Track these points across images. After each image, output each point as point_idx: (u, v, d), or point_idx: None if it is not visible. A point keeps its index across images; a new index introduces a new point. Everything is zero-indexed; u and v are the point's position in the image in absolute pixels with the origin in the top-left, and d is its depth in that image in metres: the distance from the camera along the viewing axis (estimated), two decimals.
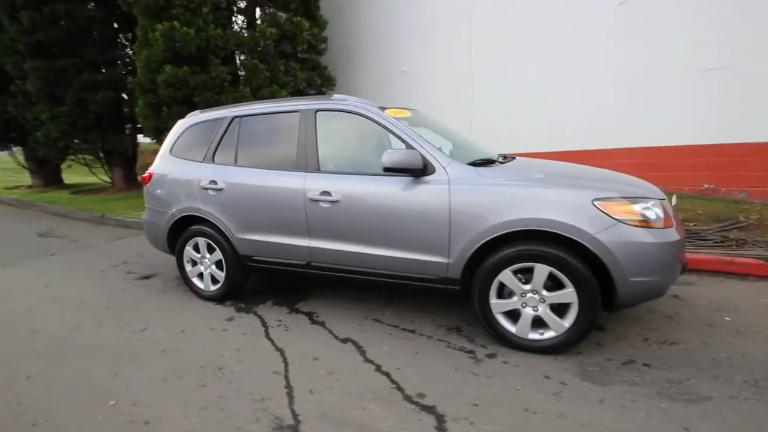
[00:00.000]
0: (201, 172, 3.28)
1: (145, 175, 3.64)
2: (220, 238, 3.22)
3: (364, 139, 2.91)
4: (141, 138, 10.32)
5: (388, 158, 2.44)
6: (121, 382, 2.29)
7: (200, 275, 3.45)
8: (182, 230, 3.43)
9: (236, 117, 3.26)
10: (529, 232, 2.28)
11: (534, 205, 2.24)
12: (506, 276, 2.35)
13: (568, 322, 2.28)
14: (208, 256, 3.36)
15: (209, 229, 3.27)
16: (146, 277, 4.19)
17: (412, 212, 2.53)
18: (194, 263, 3.46)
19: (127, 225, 6.89)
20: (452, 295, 2.60)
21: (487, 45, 7.54)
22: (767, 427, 1.74)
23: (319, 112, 2.93)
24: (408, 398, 2.03)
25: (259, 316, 3.09)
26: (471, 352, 2.45)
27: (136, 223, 6.82)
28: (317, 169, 2.85)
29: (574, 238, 2.15)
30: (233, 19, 7.81)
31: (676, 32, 5.54)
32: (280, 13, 7.70)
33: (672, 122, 5.78)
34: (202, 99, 6.78)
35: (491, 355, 2.40)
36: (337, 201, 2.72)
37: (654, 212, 2.21)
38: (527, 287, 2.33)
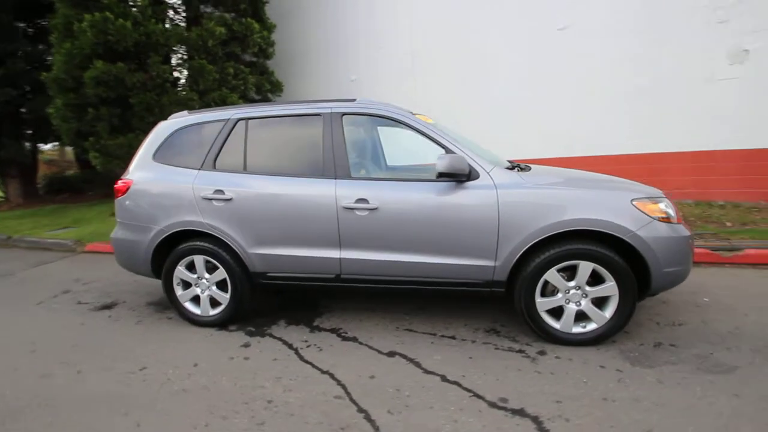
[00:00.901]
0: (201, 181, 2.88)
1: (119, 184, 3.09)
2: (224, 255, 2.86)
3: (396, 144, 2.84)
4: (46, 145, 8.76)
5: (442, 163, 2.41)
6: None
7: (194, 299, 3.02)
8: (170, 248, 2.97)
9: (242, 119, 2.94)
10: (567, 231, 2.42)
11: (582, 207, 2.39)
12: (552, 275, 2.46)
13: (608, 313, 2.46)
14: (206, 276, 2.95)
15: (210, 245, 2.88)
16: (107, 307, 3.54)
17: (458, 218, 2.53)
18: (186, 285, 3.01)
19: (46, 247, 5.76)
20: (488, 297, 2.65)
21: (430, 58, 7.87)
22: None
23: (345, 116, 2.78)
24: (493, 404, 2.00)
25: (280, 339, 2.80)
26: (521, 351, 2.51)
27: (57, 244, 5.75)
28: (348, 176, 2.70)
29: (619, 235, 2.34)
30: (169, 15, 7.06)
31: (606, 55, 6.38)
32: (226, 14, 7.17)
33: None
34: (140, 101, 6.00)
35: (541, 353, 2.48)
36: (375, 208, 2.60)
37: (671, 210, 2.52)
38: (571, 284, 2.46)
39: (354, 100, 2.88)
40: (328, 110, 2.81)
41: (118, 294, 3.87)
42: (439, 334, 2.78)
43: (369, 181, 2.68)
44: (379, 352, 2.58)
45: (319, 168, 2.76)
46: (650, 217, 2.37)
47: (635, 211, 2.37)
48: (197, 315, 3.02)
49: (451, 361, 2.42)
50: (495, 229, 2.48)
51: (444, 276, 2.61)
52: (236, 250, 2.83)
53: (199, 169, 2.93)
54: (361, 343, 2.70)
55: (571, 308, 2.49)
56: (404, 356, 2.51)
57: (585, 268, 2.42)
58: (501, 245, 2.49)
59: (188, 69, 6.51)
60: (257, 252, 2.81)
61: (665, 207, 2.46)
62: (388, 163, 3.55)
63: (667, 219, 2.43)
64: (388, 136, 2.75)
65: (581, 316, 2.50)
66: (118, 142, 6.09)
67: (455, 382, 2.21)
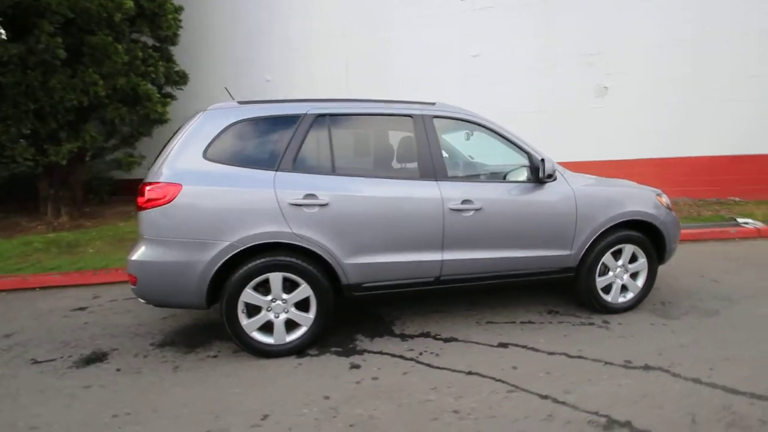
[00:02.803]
0: (283, 184, 2.43)
1: (152, 191, 2.31)
2: (310, 269, 2.49)
3: (480, 147, 2.97)
4: None
5: (551, 166, 2.70)
6: None
7: (263, 326, 2.52)
8: (230, 269, 2.41)
9: (321, 115, 2.60)
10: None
11: (632, 202, 3.02)
12: (608, 257, 3.04)
13: (640, 283, 3.17)
14: (284, 296, 2.51)
15: (294, 259, 2.46)
16: (97, 359, 2.59)
17: (546, 213, 2.86)
18: (254, 311, 2.49)
19: None
20: (559, 282, 3.07)
21: (363, 68, 8.05)
22: None
23: (435, 119, 2.78)
24: (626, 366, 2.39)
25: (383, 353, 2.61)
26: (591, 323, 2.99)
27: None
28: (446, 177, 2.72)
29: (654, 222, 3.06)
30: None
31: (514, 85, 7.67)
32: None
33: None
34: (14, 81, 4.30)
35: (605, 322, 3.01)
36: (480, 209, 2.70)
37: (668, 201, 3.39)
38: (620, 263, 3.09)
39: (434, 103, 2.89)
40: (419, 112, 2.76)
41: (102, 339, 2.84)
42: (518, 321, 3.05)
43: (468, 183, 2.77)
44: (491, 345, 2.70)
45: (415, 169, 2.69)
46: (666, 207, 3.17)
47: (659, 203, 3.14)
48: (269, 345, 2.53)
49: (555, 341, 2.73)
50: (573, 222, 2.91)
51: (531, 267, 2.90)
52: (330, 261, 2.50)
53: (276, 171, 2.47)
54: (465, 341, 2.75)
55: (618, 283, 3.11)
56: (516, 345, 2.69)
57: (628, 250, 3.07)
58: (576, 236, 2.93)
59: (88, 46, 4.93)
60: (354, 262, 2.55)
61: (667, 199, 3.32)
62: (490, 165, 3.56)
63: (670, 208, 3.28)
64: (488, 139, 2.87)
65: (623, 289, 3.15)
66: None
67: (579, 356, 2.53)
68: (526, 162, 2.95)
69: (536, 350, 2.62)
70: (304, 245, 2.45)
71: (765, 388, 2.15)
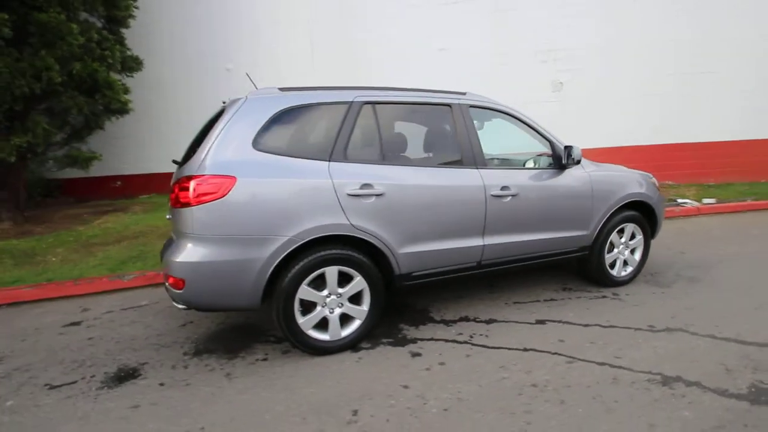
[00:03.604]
0: (339, 174, 2.34)
1: (200, 185, 2.10)
2: (365, 260, 2.45)
3: (508, 135, 3.09)
4: None
5: (577, 152, 2.90)
6: None
7: (319, 323, 2.43)
8: (284, 265, 2.29)
9: (368, 103, 2.54)
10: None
11: (634, 185, 3.36)
12: (614, 236, 3.36)
13: (637, 257, 3.54)
14: (339, 290, 2.44)
15: (350, 251, 2.40)
16: (131, 375, 2.32)
17: (570, 197, 3.09)
18: (309, 308, 2.39)
19: None
20: (571, 261, 3.33)
21: (331, 58, 7.88)
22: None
23: (471, 108, 2.85)
24: (650, 330, 2.69)
25: (435, 339, 2.65)
26: (604, 297, 3.28)
27: None
28: (485, 165, 2.81)
29: (650, 203, 3.43)
30: None
31: (477, 77, 7.99)
32: None
33: None
34: None
35: (615, 294, 3.33)
36: (516, 194, 2.83)
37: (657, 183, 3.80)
38: (623, 240, 3.43)
39: (465, 93, 2.96)
40: (456, 101, 2.81)
41: (104, 357, 2.51)
42: (541, 299, 3.26)
43: (503, 170, 2.88)
44: (529, 323, 2.86)
45: (458, 158, 2.75)
46: (658, 188, 3.57)
47: (652, 185, 3.52)
48: (325, 341, 2.44)
49: (582, 314, 2.96)
50: (590, 204, 3.17)
51: (557, 248, 3.12)
52: (385, 252, 2.48)
53: (329, 161, 2.37)
54: (505, 321, 2.89)
55: (621, 258, 3.46)
56: (551, 320, 2.89)
57: (629, 228, 3.42)
58: (592, 217, 3.20)
59: (36, 25, 4.18)
60: (407, 251, 2.55)
61: (656, 182, 3.72)
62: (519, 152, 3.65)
63: (658, 189, 3.69)
64: (513, 128, 3.00)
65: (624, 264, 3.50)
66: None
67: (611, 326, 2.78)
68: (544, 149, 3.14)
69: (571, 323, 2.84)
70: (361, 237, 2.40)
71: (765, 336, 2.55)
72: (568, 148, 2.99)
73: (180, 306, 2.35)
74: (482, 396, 2.06)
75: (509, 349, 2.52)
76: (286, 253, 2.23)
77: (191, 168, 2.23)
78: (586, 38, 7.67)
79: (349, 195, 2.36)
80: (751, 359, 2.32)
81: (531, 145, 3.25)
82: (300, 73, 7.78)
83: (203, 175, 2.14)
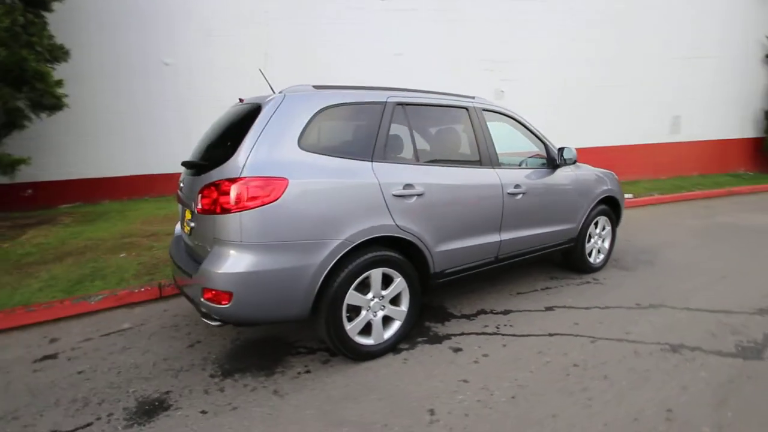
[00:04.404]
0: (383, 174, 2.30)
1: (251, 186, 1.90)
2: (405, 261, 2.44)
3: (511, 137, 3.28)
4: None
5: (570, 154, 3.20)
6: None
7: (363, 328, 2.36)
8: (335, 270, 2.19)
9: (400, 104, 2.53)
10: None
11: (606, 181, 3.80)
12: (592, 228, 3.77)
13: (607, 245, 4.01)
14: (383, 292, 2.40)
15: (393, 252, 2.37)
16: (160, 407, 2.02)
17: (564, 194, 3.40)
18: (354, 313, 2.32)
19: None
20: (559, 253, 3.67)
21: (284, 58, 7.58)
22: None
23: (485, 111, 2.99)
24: (638, 307, 3.08)
25: (465, 334, 2.74)
26: (587, 282, 3.66)
27: None
28: (499, 164, 2.97)
29: (616, 197, 3.92)
30: None
31: (430, 84, 8.30)
32: None
33: None
34: None
35: (595, 279, 3.74)
36: (525, 192, 3.04)
37: None
38: (597, 231, 3.86)
39: (474, 97, 3.10)
40: (472, 104, 2.94)
41: (111, 392, 2.14)
42: (538, 288, 3.53)
43: (513, 169, 3.06)
44: (541, 310, 3.09)
45: (477, 158, 2.87)
46: (619, 184, 4.09)
47: (616, 181, 4.02)
48: (370, 346, 2.39)
49: (579, 299, 3.28)
50: (578, 199, 3.52)
51: (553, 241, 3.41)
52: (423, 252, 2.49)
53: (372, 161, 2.31)
54: (519, 311, 3.08)
55: (596, 248, 3.89)
56: (558, 306, 3.15)
57: (602, 221, 3.88)
58: (579, 211, 3.56)
59: None
60: (441, 250, 2.60)
61: (617, 178, 4.25)
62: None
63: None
64: (514, 130, 3.20)
65: (599, 252, 3.95)
66: None
67: (606, 307, 3.13)
68: (540, 151, 3.42)
69: (574, 308, 3.13)
70: (405, 237, 2.39)
71: (729, 305, 3.08)
72: (561, 150, 3.30)
73: (214, 323, 2.12)
74: (538, 380, 2.20)
75: (536, 335, 2.70)
76: (338, 257, 2.14)
77: (228, 170, 2.02)
78: (524, 52, 8.42)
79: (394, 195, 2.34)
80: (725, 324, 2.80)
81: (523, 146, 3.51)
82: (256, 74, 7.35)
83: (252, 177, 1.96)
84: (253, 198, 1.95)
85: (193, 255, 2.36)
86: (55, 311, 3.05)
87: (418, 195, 2.45)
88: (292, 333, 2.76)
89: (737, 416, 1.89)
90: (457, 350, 2.53)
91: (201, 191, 2.11)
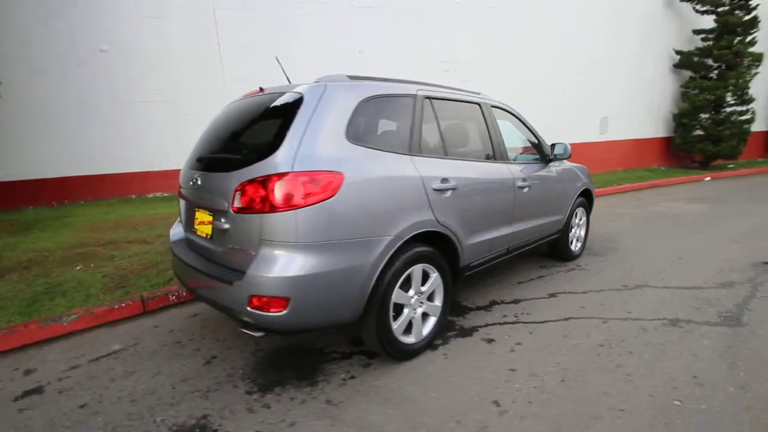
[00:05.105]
0: (423, 168, 2.25)
1: (307, 181, 1.73)
2: (440, 256, 2.43)
3: (513, 132, 3.39)
4: None
5: (561, 150, 3.40)
6: None
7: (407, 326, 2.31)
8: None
9: (428, 98, 2.49)
10: None
11: (582, 176, 4.11)
12: (573, 219, 4.07)
13: (583, 234, 4.36)
14: (422, 288, 2.36)
15: (431, 248, 2.34)
16: None
17: (556, 187, 3.60)
18: (397, 311, 2.25)
19: None
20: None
21: (238, 51, 7.11)
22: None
23: (493, 108, 3.07)
24: (625, 288, 3.40)
25: (494, 324, 2.80)
26: (572, 269, 3.95)
27: None
28: (507, 159, 3.07)
29: (590, 189, 4.26)
30: None
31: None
32: None
33: None
34: None
35: (578, 266, 4.04)
36: (530, 186, 3.18)
37: None
38: (577, 221, 4.17)
39: (479, 93, 3.17)
40: (482, 101, 3.00)
41: (136, 424, 1.84)
42: (534, 277, 3.72)
43: (518, 165, 3.19)
44: (546, 297, 3.27)
45: (491, 153, 2.94)
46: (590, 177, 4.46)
47: (588, 174, 4.37)
48: (412, 344, 2.34)
49: (574, 285, 3.52)
50: (566, 192, 3.77)
51: (547, 231, 3.61)
52: (457, 245, 2.50)
53: (410, 154, 2.25)
54: (528, 299, 3.23)
55: (576, 236, 4.21)
56: (559, 292, 3.35)
57: (580, 212, 4.20)
58: (566, 203, 3.81)
59: None
60: (469, 243, 2.62)
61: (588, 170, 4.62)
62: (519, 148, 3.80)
63: None
64: (513, 125, 3.33)
65: (577, 240, 4.27)
66: None
67: (600, 290, 3.40)
68: (532, 146, 3.61)
69: (574, 293, 3.35)
70: (442, 231, 2.37)
71: (697, 282, 3.50)
72: (553, 146, 3.52)
73: (258, 333, 1.92)
74: (576, 362, 2.32)
75: (554, 321, 2.85)
76: (390, 254, 2.06)
77: (274, 164, 1.83)
78: (482, 54, 8.80)
79: (435, 190, 2.31)
80: (701, 298, 3.19)
81: (519, 142, 3.68)
82: (208, 67, 6.81)
83: (306, 172, 1.80)
84: (310, 194, 1.80)
85: (219, 260, 2.11)
86: (19, 337, 2.55)
87: (452, 189, 2.45)
88: (316, 339, 2.60)
89: (749, 376, 2.17)
90: (489, 341, 2.58)
91: (239, 188, 1.89)
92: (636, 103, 10.99)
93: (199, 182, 2.17)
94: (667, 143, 11.61)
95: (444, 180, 2.39)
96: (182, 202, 2.53)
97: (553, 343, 2.55)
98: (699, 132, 10.91)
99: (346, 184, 1.90)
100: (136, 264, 3.80)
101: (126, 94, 6.52)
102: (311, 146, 1.89)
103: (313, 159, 1.86)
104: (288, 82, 2.48)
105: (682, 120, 10.96)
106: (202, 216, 2.24)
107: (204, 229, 2.23)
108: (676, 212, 6.55)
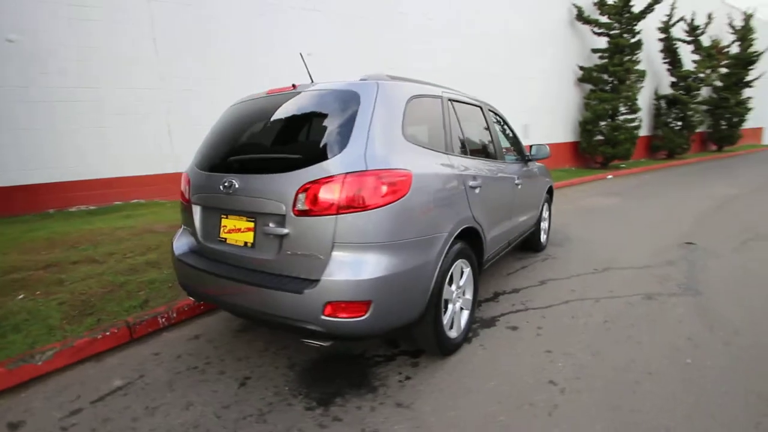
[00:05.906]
0: (459, 166, 2.31)
1: (385, 181, 1.67)
2: (471, 251, 2.52)
3: (501, 133, 3.61)
4: None
5: (538, 150, 3.72)
6: None
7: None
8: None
9: (450, 99, 2.56)
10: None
11: (547, 175, 4.54)
12: (544, 212, 4.48)
13: (547, 227, 4.81)
14: (460, 283, 2.43)
15: (467, 243, 2.42)
16: None
17: (535, 184, 3.94)
18: (445, 307, 2.28)
19: None
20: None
21: (178, 49, 6.49)
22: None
23: (488, 110, 3.26)
24: (604, 270, 3.84)
25: (508, 313, 2.97)
26: (546, 258, 4.34)
27: None
28: (504, 158, 3.28)
29: (552, 186, 4.72)
30: None
31: None
32: None
33: None
34: None
35: (551, 256, 4.44)
36: (521, 183, 3.44)
37: None
38: (545, 215, 4.60)
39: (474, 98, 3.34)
40: (480, 104, 3.19)
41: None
42: (519, 268, 4.02)
43: (509, 163, 3.42)
44: (538, 285, 3.55)
45: (494, 152, 3.12)
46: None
47: (549, 173, 4.84)
48: (455, 339, 2.38)
49: (555, 272, 3.88)
50: (539, 189, 4.13)
51: (528, 228, 3.92)
52: (483, 240, 2.61)
53: (445, 153, 2.30)
54: (524, 288, 3.48)
55: (543, 229, 4.63)
56: (547, 279, 3.67)
57: (545, 206, 4.64)
58: (540, 198, 4.18)
59: None
60: (490, 237, 2.75)
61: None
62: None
63: None
64: (503, 127, 3.53)
65: (543, 233, 4.70)
66: None
67: (577, 275, 3.79)
68: (517, 147, 3.91)
69: (558, 279, 3.70)
70: (475, 227, 2.46)
71: (647, 262, 4.09)
72: (531, 147, 3.85)
73: (326, 343, 1.81)
74: (594, 339, 2.58)
75: (557, 305, 3.12)
76: (446, 251, 2.08)
77: (344, 163, 1.75)
78: (424, 62, 9.17)
79: (470, 187, 2.39)
80: (658, 275, 3.73)
81: (504, 142, 3.95)
82: (145, 66, 6.08)
83: (381, 170, 1.75)
84: (387, 193, 1.75)
85: (268, 269, 1.92)
86: None
87: (480, 186, 2.56)
88: (350, 346, 2.51)
89: (726, 333, 2.62)
90: (513, 328, 2.74)
91: (301, 190, 1.76)
92: (549, 112, 12.39)
93: (237, 185, 1.96)
94: (575, 147, 13.28)
95: (474, 178, 2.50)
96: (197, 210, 2.25)
97: (567, 325, 2.79)
98: (600, 137, 12.68)
99: (415, 182, 1.89)
100: (96, 287, 3.26)
101: (38, 91, 5.53)
102: (378, 144, 1.84)
103: (384, 157, 1.82)
104: (310, 81, 2.38)
105: (587, 126, 12.63)
106: (236, 223, 2.03)
107: (240, 237, 2.02)
108: (601, 206, 7.53)
